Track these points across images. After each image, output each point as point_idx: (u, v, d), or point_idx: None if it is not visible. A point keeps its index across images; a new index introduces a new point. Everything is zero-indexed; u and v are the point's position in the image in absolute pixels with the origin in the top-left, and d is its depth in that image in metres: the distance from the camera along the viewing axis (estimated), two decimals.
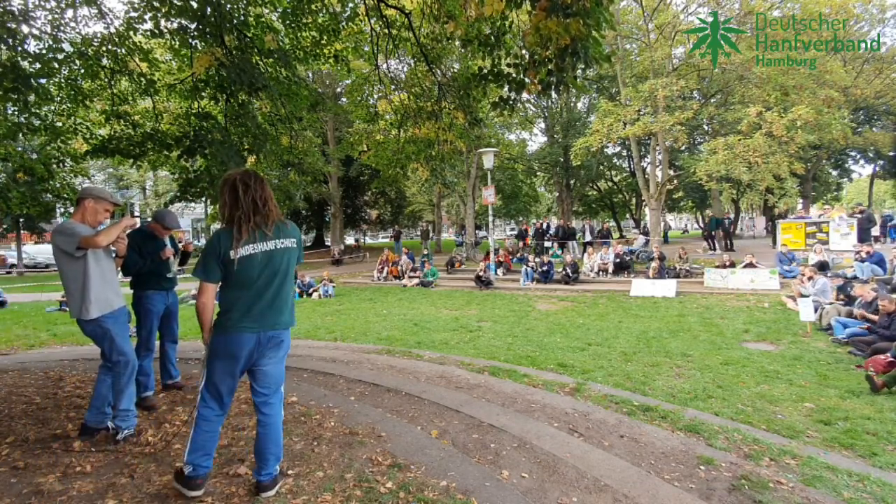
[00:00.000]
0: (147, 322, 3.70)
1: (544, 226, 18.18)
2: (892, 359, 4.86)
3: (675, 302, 9.61)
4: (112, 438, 2.91)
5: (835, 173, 30.01)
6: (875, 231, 13.93)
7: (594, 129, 16.31)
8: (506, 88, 4.14)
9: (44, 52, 4.97)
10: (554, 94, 17.63)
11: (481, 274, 13.03)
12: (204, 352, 2.29)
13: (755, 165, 12.74)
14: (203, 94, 5.44)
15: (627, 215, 32.49)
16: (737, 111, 14.58)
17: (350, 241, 33.88)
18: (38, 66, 4.86)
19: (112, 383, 2.96)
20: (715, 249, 15.65)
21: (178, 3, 4.58)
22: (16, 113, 5.05)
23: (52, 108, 6.00)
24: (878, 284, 7.69)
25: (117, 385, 2.96)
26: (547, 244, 16.04)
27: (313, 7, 5.77)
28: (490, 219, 16.04)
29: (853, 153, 26.50)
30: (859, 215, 12.01)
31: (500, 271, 14.16)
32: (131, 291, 3.63)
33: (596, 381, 4.80)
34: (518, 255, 16.26)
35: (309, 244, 34.73)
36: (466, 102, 5.95)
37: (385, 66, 7.53)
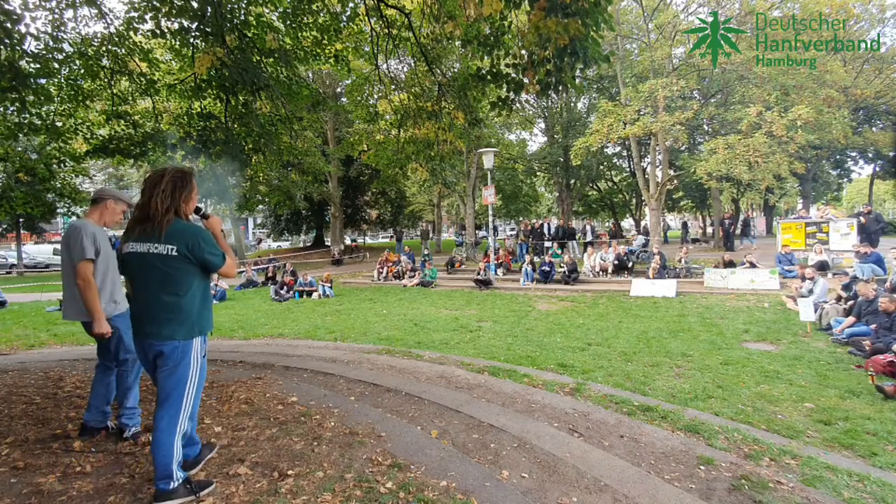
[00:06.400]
0: None
1: (544, 227, 18.12)
2: (891, 359, 4.86)
3: (675, 302, 9.61)
4: (118, 437, 2.92)
5: (835, 173, 29.99)
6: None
7: (594, 129, 16.29)
8: (504, 88, 4.15)
9: (43, 52, 4.97)
10: (553, 95, 17.66)
11: (480, 276, 13.01)
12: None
13: (755, 165, 12.73)
14: (206, 94, 5.45)
15: (627, 215, 32.48)
16: (737, 111, 14.54)
17: (348, 241, 33.86)
18: (37, 66, 4.87)
19: (119, 382, 2.99)
20: (733, 249, 16.04)
21: (179, 3, 4.59)
22: (15, 113, 5.05)
23: (53, 108, 6.00)
24: (877, 284, 7.68)
25: (124, 383, 2.98)
26: (547, 244, 16.03)
27: (314, 7, 5.78)
28: (490, 219, 16.02)
29: (853, 153, 26.48)
30: (868, 215, 11.89)
31: (500, 271, 14.14)
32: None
33: (596, 381, 4.80)
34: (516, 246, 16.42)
35: (309, 244, 34.75)
36: (466, 102, 5.95)
37: (385, 66, 7.54)
